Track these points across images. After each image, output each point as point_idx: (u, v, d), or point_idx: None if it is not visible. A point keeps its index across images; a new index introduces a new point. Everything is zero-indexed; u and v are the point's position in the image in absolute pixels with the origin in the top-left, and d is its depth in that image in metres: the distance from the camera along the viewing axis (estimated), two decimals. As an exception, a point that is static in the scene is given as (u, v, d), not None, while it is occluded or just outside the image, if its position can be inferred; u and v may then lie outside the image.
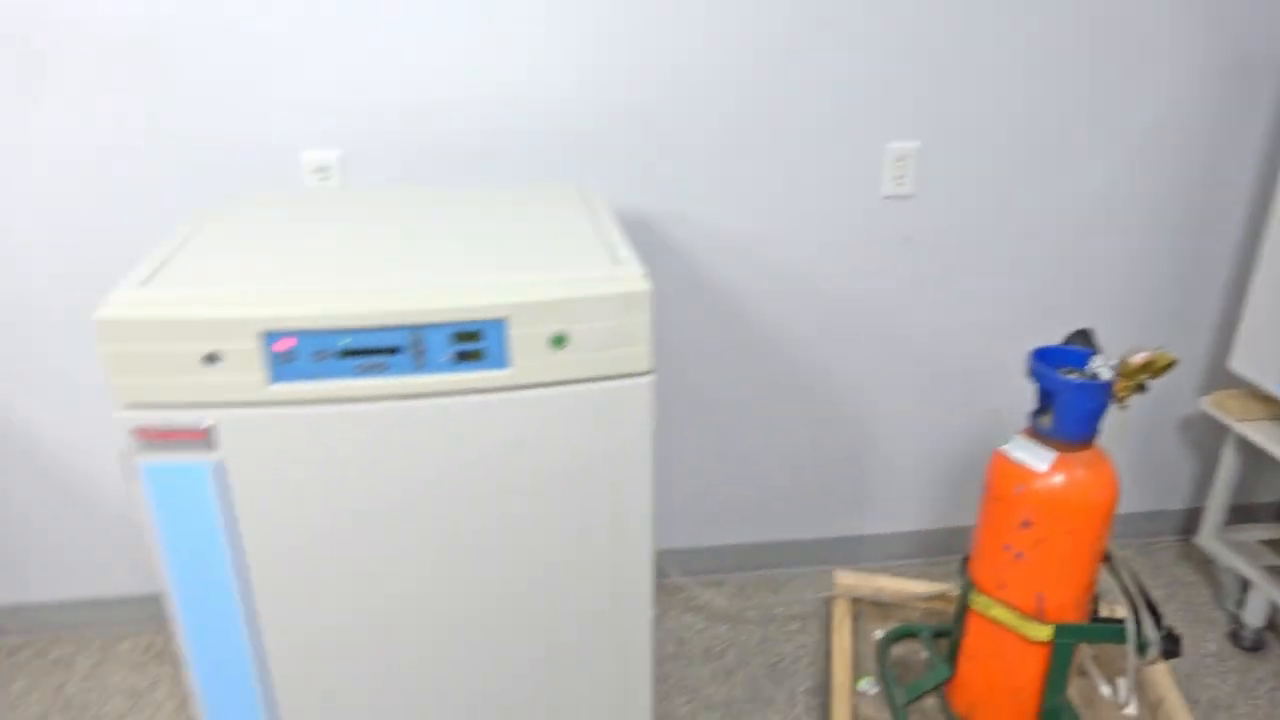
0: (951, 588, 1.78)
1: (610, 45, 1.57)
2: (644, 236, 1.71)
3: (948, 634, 1.68)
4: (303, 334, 0.99)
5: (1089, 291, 1.90)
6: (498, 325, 1.01)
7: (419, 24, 1.51)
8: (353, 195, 1.43)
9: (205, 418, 1.01)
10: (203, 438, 1.02)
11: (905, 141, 1.70)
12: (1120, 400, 1.34)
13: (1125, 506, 2.15)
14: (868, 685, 1.60)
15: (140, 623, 1.93)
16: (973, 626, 1.47)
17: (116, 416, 1.00)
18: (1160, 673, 1.58)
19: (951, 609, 1.78)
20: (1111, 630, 1.38)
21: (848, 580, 1.82)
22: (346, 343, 1.00)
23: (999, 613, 1.40)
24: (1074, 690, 1.60)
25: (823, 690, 1.78)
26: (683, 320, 1.81)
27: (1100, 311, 1.92)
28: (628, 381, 1.08)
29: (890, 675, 1.62)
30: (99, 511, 1.82)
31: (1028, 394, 1.87)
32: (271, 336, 0.98)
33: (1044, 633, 1.37)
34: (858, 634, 1.73)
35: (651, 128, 1.63)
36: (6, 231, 1.56)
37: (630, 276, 1.06)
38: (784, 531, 2.08)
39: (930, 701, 1.58)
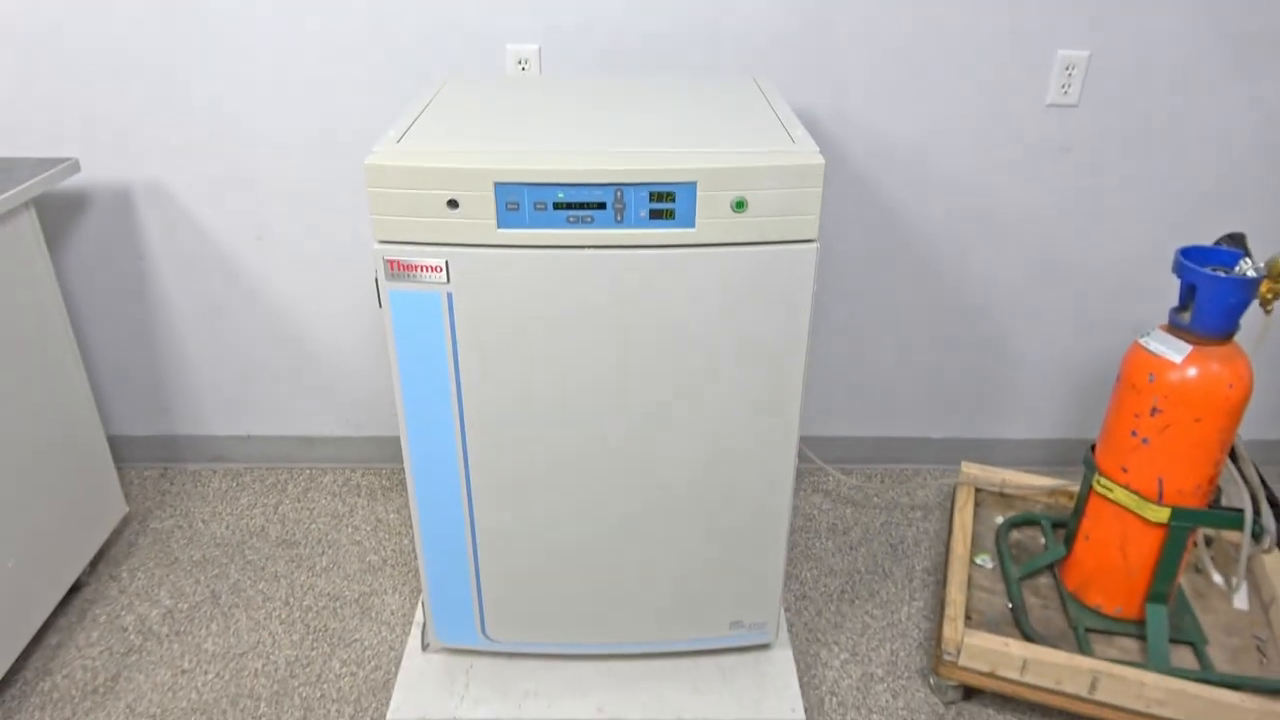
0: (1073, 483, 1.87)
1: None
2: (808, 129, 1.82)
3: (1066, 525, 1.78)
4: (527, 186, 1.18)
5: (1248, 214, 1.90)
6: (689, 188, 1.18)
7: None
8: (554, 81, 1.61)
9: (442, 254, 1.23)
10: (439, 271, 1.24)
11: (1075, 50, 1.73)
12: (1267, 303, 1.39)
13: (1255, 432, 2.16)
14: (984, 560, 1.73)
15: (340, 460, 2.25)
16: (1092, 508, 1.57)
17: (375, 249, 1.23)
18: (1278, 573, 1.63)
19: (1072, 505, 1.87)
20: (1229, 516, 1.45)
21: (973, 471, 1.93)
22: (561, 196, 1.19)
23: (1119, 495, 1.50)
24: (1186, 582, 1.68)
25: (939, 570, 1.92)
26: (838, 214, 1.92)
27: (1259, 236, 1.91)
28: (796, 247, 1.23)
29: (1007, 553, 1.74)
30: (312, 364, 2.10)
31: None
32: (502, 187, 1.18)
33: (1161, 515, 1.46)
34: (979, 519, 1.85)
35: (825, 28, 1.72)
36: (250, 111, 1.82)
37: (806, 152, 1.20)
38: (915, 428, 2.19)
39: (1044, 579, 1.70)
